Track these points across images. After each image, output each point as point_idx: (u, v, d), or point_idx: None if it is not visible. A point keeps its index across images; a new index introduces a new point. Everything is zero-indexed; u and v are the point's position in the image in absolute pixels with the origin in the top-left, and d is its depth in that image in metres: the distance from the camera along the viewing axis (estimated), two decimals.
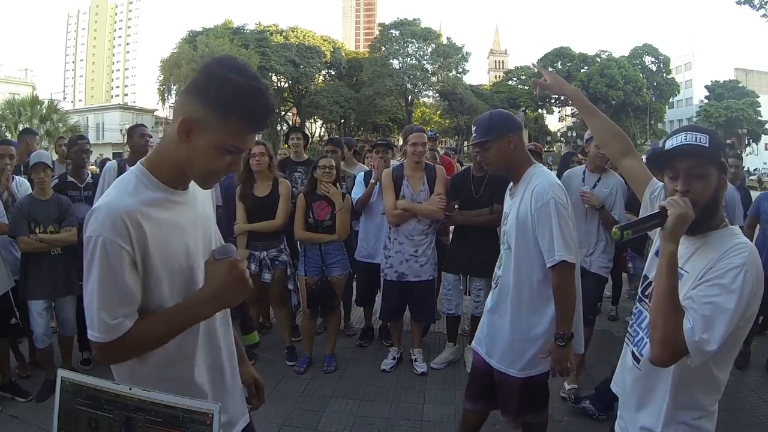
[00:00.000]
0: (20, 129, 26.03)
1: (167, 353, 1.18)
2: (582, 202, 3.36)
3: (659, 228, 1.31)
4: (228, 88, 1.08)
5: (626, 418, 1.48)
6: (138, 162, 1.19)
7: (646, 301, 1.45)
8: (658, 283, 1.25)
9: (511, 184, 2.25)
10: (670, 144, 1.36)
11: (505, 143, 2.11)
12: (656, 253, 1.45)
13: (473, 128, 2.20)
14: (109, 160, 5.83)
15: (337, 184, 3.72)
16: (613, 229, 1.31)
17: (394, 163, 4.11)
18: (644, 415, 1.40)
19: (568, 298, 2.03)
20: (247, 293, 1.18)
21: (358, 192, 3.98)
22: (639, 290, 1.56)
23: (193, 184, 1.22)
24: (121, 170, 3.69)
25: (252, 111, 1.10)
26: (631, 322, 1.54)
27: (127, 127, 5.10)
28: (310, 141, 5.59)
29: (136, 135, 3.86)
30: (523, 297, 2.10)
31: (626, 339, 1.55)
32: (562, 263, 1.97)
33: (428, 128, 39.73)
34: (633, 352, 1.46)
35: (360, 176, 4.08)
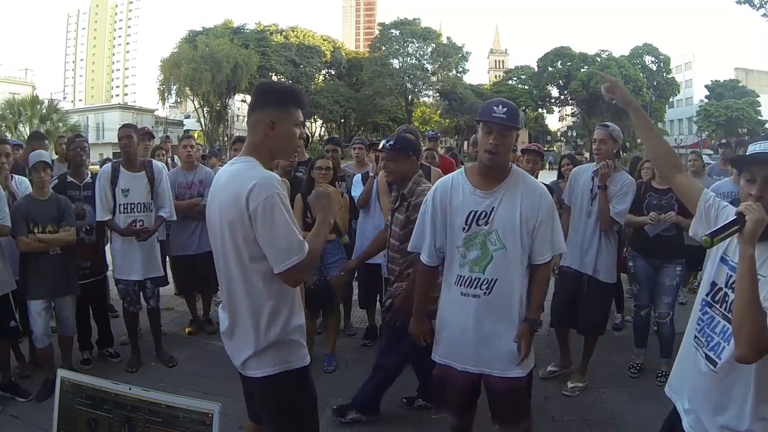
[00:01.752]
0: (20, 129, 26.17)
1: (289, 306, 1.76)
2: (586, 204, 3.36)
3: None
4: (282, 91, 1.81)
5: (703, 420, 1.54)
6: (245, 156, 1.73)
7: (717, 306, 1.53)
8: (741, 287, 1.32)
9: (461, 181, 2.11)
10: (752, 149, 1.48)
11: (514, 137, 2.06)
12: (721, 260, 1.55)
13: (501, 108, 1.97)
14: (110, 159, 5.83)
15: (336, 184, 3.71)
16: (703, 237, 1.41)
17: None
18: (725, 416, 1.47)
19: (546, 288, 2.18)
20: (333, 203, 1.87)
21: (357, 191, 3.98)
22: (707, 296, 1.60)
23: None
24: (114, 172, 3.65)
25: (301, 98, 1.79)
26: (698, 328, 1.60)
27: None
28: (310, 140, 5.59)
29: (118, 136, 3.73)
30: (521, 295, 2.08)
31: (695, 345, 1.61)
32: (552, 257, 2.13)
33: (428, 128, 39.73)
34: (708, 357, 1.53)
35: (358, 177, 4.08)
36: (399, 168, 2.80)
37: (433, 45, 46.76)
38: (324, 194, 1.87)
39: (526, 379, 2.15)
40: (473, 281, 2.05)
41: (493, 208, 2.02)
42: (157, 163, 3.92)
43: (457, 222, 2.06)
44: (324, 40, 49.70)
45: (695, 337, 1.61)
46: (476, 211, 2.04)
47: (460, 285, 2.07)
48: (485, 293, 2.04)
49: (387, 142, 2.92)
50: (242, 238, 1.63)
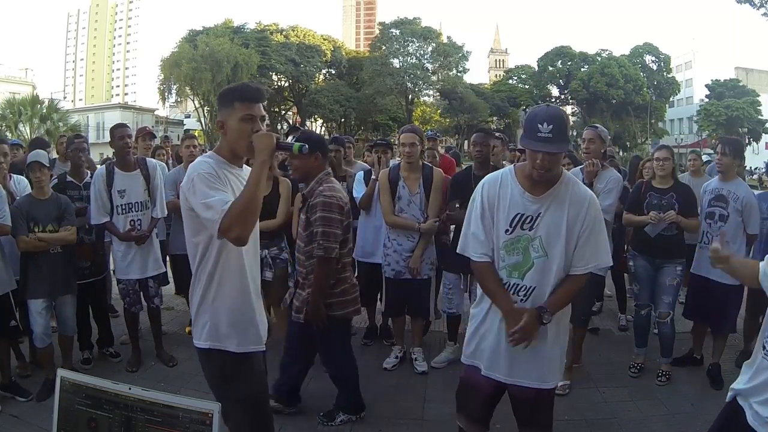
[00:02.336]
0: (20, 128, 26.17)
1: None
2: None
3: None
4: (226, 91, 1.86)
5: None
6: (208, 153, 1.88)
7: None
8: None
9: (510, 180, 2.02)
10: None
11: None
12: None
13: (546, 126, 1.82)
14: (110, 158, 5.81)
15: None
16: None
17: (394, 162, 4.11)
18: None
19: (571, 295, 2.04)
20: (272, 145, 1.73)
21: (359, 190, 3.97)
22: None
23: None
24: (109, 174, 3.62)
25: (244, 91, 1.81)
26: None
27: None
28: None
29: (116, 137, 3.64)
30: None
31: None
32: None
33: (428, 127, 39.64)
34: None
35: (360, 175, 4.08)
36: (303, 166, 2.72)
37: (434, 44, 46.69)
38: (263, 135, 1.75)
39: (552, 391, 2.12)
40: (511, 287, 1.99)
41: (539, 213, 1.94)
42: (150, 161, 3.90)
43: (502, 223, 1.98)
44: (324, 39, 49.63)
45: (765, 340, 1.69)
46: (522, 215, 1.96)
47: (516, 290, 2.01)
48: (522, 300, 1.98)
49: (292, 139, 2.92)
50: (186, 216, 1.80)
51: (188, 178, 1.76)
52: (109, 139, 3.73)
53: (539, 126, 1.83)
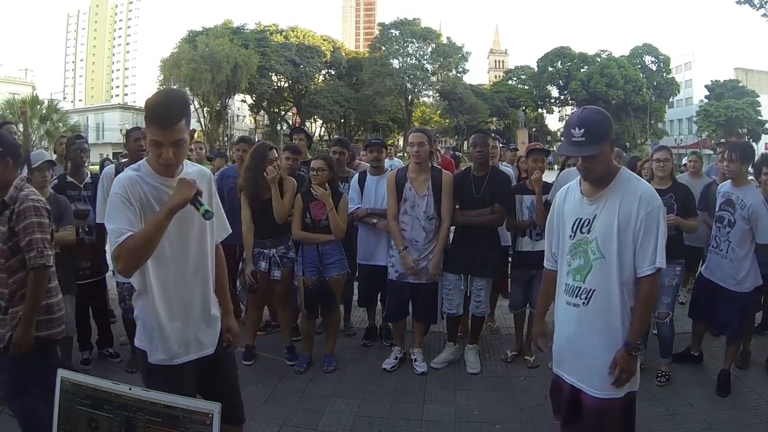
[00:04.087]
0: (20, 129, 26.05)
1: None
2: None
3: None
4: (146, 107, 1.74)
5: None
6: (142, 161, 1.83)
7: None
8: None
9: (575, 186, 2.07)
10: None
11: (608, 148, 1.92)
12: None
13: (578, 130, 1.86)
14: (109, 159, 5.83)
15: (341, 185, 3.72)
16: None
17: (394, 162, 4.11)
18: None
19: (651, 308, 2.03)
20: (187, 192, 1.69)
21: (352, 196, 3.99)
22: None
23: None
24: (118, 173, 3.66)
25: (154, 114, 1.70)
26: None
27: (128, 127, 5.05)
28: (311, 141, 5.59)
29: (131, 140, 3.77)
30: (623, 310, 1.95)
31: None
32: (657, 271, 1.92)
33: (428, 128, 39.66)
34: None
35: (354, 179, 4.09)
36: None
37: (433, 45, 46.75)
38: (183, 181, 1.73)
39: (621, 402, 1.96)
40: (575, 290, 2.01)
41: (595, 215, 1.96)
42: None
43: (567, 229, 2.05)
44: (324, 40, 49.69)
45: None
46: (581, 219, 2.01)
47: (566, 293, 2.05)
48: (584, 303, 1.99)
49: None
50: None
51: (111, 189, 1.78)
52: (124, 141, 3.87)
53: (572, 131, 1.88)
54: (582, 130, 1.85)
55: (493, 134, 4.48)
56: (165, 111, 1.68)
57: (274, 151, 3.69)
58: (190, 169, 1.89)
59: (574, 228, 2.02)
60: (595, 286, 1.95)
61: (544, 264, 2.24)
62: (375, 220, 3.88)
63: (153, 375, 1.83)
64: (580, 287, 1.99)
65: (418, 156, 3.59)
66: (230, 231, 2.11)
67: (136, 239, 1.62)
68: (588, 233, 1.97)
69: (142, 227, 1.67)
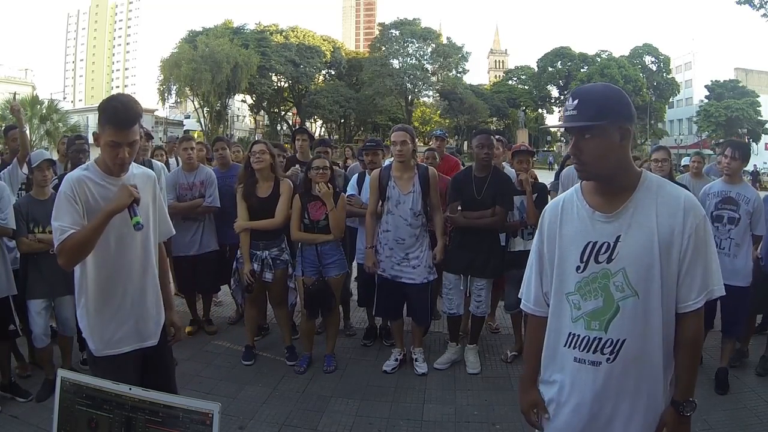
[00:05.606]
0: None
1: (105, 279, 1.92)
2: None
3: None
4: (101, 107, 1.84)
5: None
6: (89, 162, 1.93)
7: None
8: None
9: (575, 200, 1.50)
10: None
11: (616, 135, 1.39)
12: None
13: (572, 101, 1.40)
14: None
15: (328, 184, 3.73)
16: None
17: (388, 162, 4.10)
18: None
19: (699, 352, 1.53)
20: (125, 198, 1.80)
21: (351, 192, 4.01)
22: None
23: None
24: None
25: (111, 115, 1.80)
26: None
27: None
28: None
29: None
30: (665, 363, 1.43)
31: None
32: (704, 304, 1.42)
33: (428, 128, 39.48)
34: None
35: (353, 179, 4.10)
36: None
37: (433, 45, 46.77)
38: (124, 187, 1.84)
39: None
40: (591, 343, 1.43)
41: (618, 236, 1.40)
42: (156, 163, 3.96)
43: (571, 258, 1.47)
44: (324, 40, 49.70)
45: None
46: (595, 243, 1.43)
47: (573, 347, 1.47)
48: (608, 359, 1.41)
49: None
50: None
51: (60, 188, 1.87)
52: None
53: (567, 104, 1.44)
54: (576, 101, 1.39)
55: (497, 136, 4.46)
56: (125, 114, 1.80)
57: (262, 144, 3.77)
58: (136, 170, 2.00)
59: (585, 257, 1.44)
60: (625, 335, 1.40)
61: (527, 307, 1.63)
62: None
63: (96, 363, 1.94)
64: (601, 338, 1.42)
65: (401, 155, 3.58)
66: (173, 232, 2.29)
67: (76, 238, 1.76)
68: (608, 263, 1.41)
69: (85, 225, 1.79)
